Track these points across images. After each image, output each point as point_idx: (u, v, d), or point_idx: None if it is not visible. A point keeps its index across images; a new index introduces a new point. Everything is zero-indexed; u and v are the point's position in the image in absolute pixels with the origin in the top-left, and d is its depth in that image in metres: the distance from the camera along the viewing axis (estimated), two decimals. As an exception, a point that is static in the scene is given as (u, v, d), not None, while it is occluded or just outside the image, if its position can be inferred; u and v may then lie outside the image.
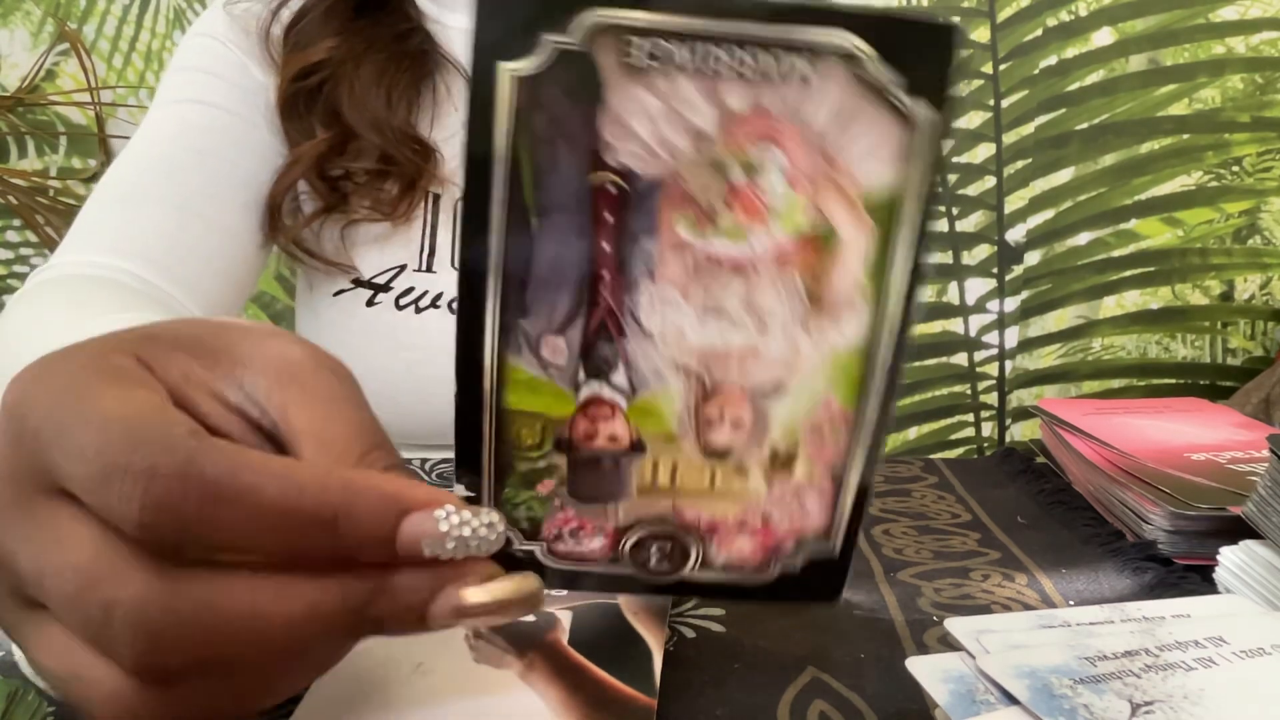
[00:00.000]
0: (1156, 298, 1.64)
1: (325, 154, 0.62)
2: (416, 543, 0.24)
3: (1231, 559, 0.39)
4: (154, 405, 0.23)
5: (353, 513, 0.23)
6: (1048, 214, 1.62)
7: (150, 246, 0.58)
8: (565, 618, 0.32)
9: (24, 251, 1.68)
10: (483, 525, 0.24)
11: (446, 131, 0.66)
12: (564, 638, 0.31)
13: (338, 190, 0.63)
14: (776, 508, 0.30)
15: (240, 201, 0.63)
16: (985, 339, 1.66)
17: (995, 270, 1.64)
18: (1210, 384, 1.66)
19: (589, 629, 0.32)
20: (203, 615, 0.22)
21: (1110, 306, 1.65)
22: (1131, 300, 1.65)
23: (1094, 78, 1.59)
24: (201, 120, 0.63)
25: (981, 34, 1.56)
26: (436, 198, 0.66)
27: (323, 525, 0.23)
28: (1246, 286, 1.65)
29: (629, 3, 0.25)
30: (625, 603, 0.34)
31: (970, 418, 1.68)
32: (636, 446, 0.29)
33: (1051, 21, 1.57)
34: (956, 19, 0.30)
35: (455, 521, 0.24)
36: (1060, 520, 0.48)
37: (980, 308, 1.65)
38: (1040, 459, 0.56)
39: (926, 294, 1.64)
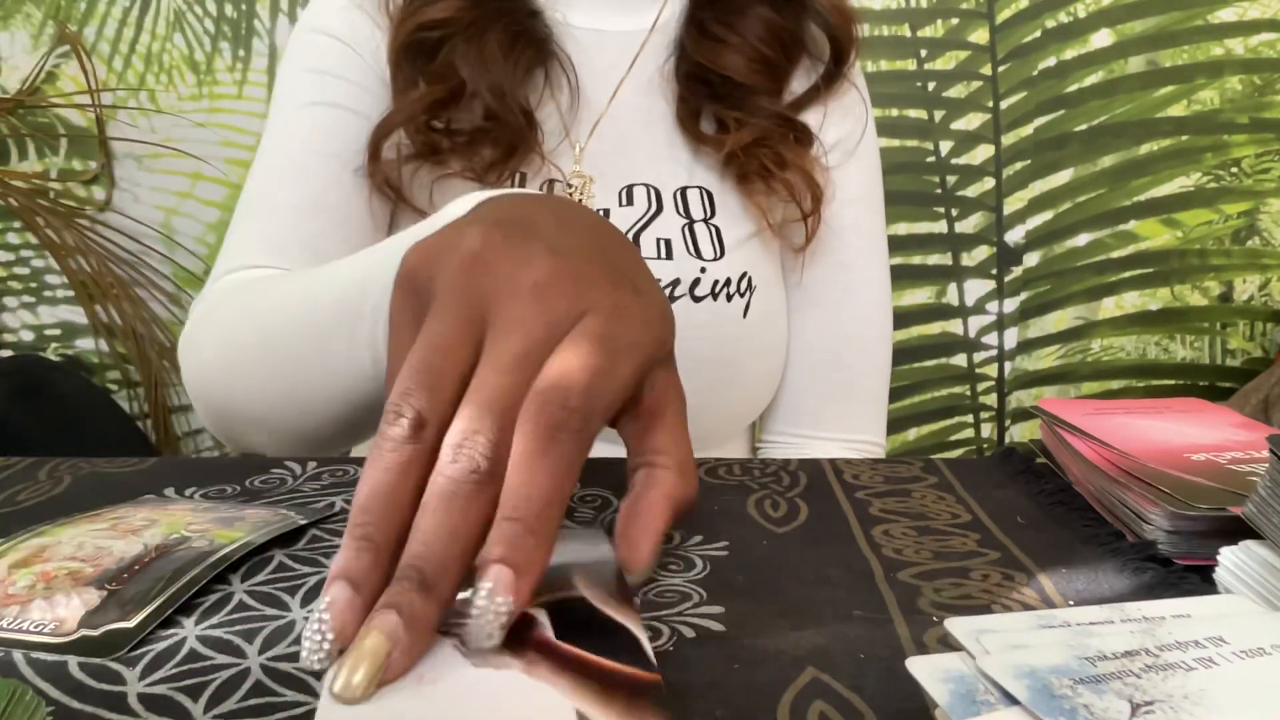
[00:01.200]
0: (1156, 299, 1.65)
1: (434, 105, 0.66)
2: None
3: (1231, 559, 0.39)
4: None
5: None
6: (1047, 215, 1.62)
7: (288, 243, 0.66)
8: (540, 615, 0.32)
9: (24, 253, 1.68)
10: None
11: (544, 114, 0.70)
12: (550, 634, 0.31)
13: (435, 145, 0.67)
14: None
15: (365, 193, 0.69)
16: (985, 340, 1.66)
17: (994, 272, 1.64)
18: (1209, 385, 1.66)
19: (568, 624, 0.32)
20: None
21: (1109, 308, 1.65)
22: (1131, 301, 1.65)
23: (1093, 79, 1.59)
24: (325, 121, 0.69)
25: (980, 35, 1.56)
26: (524, 177, 0.69)
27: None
28: (1245, 287, 1.65)
29: None
30: (590, 593, 0.34)
31: (970, 419, 1.69)
32: None
33: (1050, 23, 1.57)
34: (955, 20, 0.30)
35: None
36: (1060, 520, 0.48)
37: (979, 309, 1.65)
38: (1040, 459, 0.55)
39: (925, 295, 1.65)
